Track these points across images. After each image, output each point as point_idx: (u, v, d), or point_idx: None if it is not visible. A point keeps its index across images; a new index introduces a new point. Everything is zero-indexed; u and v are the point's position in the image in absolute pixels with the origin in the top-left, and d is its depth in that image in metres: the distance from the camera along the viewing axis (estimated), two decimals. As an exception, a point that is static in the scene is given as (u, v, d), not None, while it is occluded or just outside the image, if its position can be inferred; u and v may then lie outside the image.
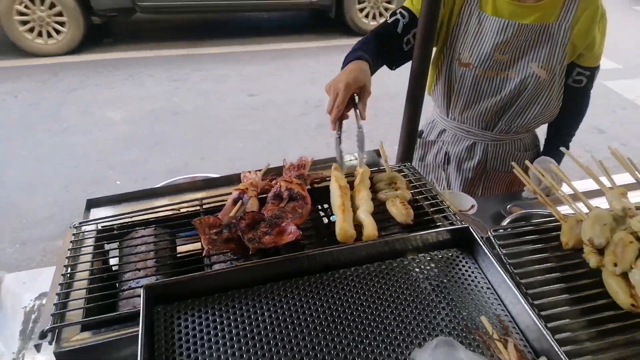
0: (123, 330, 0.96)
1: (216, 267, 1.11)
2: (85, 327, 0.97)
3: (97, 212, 1.37)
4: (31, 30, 6.33)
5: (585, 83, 1.77)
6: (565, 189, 1.27)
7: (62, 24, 6.42)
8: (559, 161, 1.90)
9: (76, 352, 0.92)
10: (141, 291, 0.92)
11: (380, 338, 0.90)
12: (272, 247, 1.04)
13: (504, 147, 1.91)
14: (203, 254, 1.01)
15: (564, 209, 1.19)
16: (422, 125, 2.06)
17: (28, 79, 6.05)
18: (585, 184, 1.41)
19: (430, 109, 2.08)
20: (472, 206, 1.65)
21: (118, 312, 0.98)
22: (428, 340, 0.89)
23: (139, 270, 1.09)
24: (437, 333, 0.91)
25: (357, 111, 1.36)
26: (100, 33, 7.15)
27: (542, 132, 2.01)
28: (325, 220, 1.31)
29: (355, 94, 1.37)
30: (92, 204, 1.40)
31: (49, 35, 6.44)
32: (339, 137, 1.37)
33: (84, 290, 1.04)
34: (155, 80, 6.22)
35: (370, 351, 0.88)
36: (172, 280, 0.95)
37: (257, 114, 5.47)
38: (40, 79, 6.06)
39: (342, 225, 1.09)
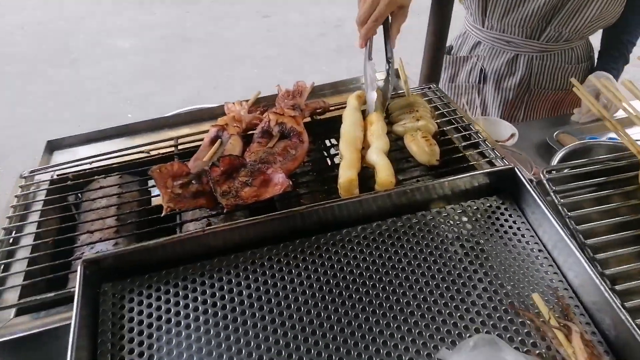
0: (69, 314, 0.76)
1: (189, 227, 0.88)
2: (21, 310, 0.77)
3: (60, 157, 1.15)
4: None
5: None
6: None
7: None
8: (616, 76, 1.56)
9: (10, 343, 0.73)
10: (79, 266, 0.71)
11: (395, 327, 0.67)
12: (254, 203, 0.80)
13: (552, 59, 1.57)
14: (162, 214, 0.78)
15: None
16: (450, 40, 1.75)
17: (33, 10, 5.76)
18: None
19: (460, 21, 1.73)
20: (512, 135, 1.35)
21: (58, 292, 0.77)
22: (458, 330, 0.66)
23: (93, 233, 0.87)
24: (472, 317, 0.68)
25: (390, 37, 1.04)
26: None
27: (596, 38, 1.64)
28: (329, 161, 1.05)
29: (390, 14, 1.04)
30: (54, 146, 1.17)
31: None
32: (370, 56, 1.06)
33: (24, 262, 0.83)
34: (165, 5, 5.83)
35: (376, 350, 0.65)
36: (118, 252, 0.73)
37: (272, 37, 5.07)
38: (46, 9, 5.76)
39: (349, 175, 0.83)
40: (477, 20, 1.59)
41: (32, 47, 5.23)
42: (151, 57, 4.88)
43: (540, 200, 0.76)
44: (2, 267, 0.82)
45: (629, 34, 1.56)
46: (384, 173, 0.84)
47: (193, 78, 4.49)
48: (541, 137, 1.40)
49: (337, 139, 1.01)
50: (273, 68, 4.52)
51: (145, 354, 0.66)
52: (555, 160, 1.01)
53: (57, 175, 1.03)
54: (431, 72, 1.36)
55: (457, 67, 1.73)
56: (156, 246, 0.74)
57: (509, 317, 0.68)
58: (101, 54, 4.99)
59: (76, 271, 0.76)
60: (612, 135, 1.37)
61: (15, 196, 0.97)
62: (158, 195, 1.10)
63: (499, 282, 0.72)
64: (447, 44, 1.73)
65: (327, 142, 1.10)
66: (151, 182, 1.05)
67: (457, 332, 0.66)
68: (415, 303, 0.70)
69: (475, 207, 0.82)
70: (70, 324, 0.66)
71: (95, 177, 1.00)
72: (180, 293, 0.73)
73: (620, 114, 1.31)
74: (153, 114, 4.26)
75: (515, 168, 0.81)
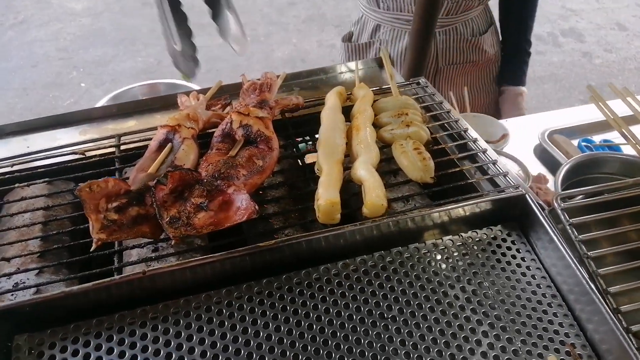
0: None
1: (131, 254, 0.72)
2: None
3: (-23, 153, 0.95)
4: None
5: None
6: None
7: None
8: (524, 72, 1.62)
9: None
10: (-21, 322, 0.54)
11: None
12: (211, 231, 0.64)
13: (454, 33, 1.52)
14: (90, 249, 0.61)
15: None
16: (348, 27, 1.69)
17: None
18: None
19: (335, 14, 1.66)
20: (504, 135, 1.24)
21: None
22: (461, 400, 0.54)
23: (10, 260, 0.70)
24: (476, 383, 0.56)
25: None
26: None
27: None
28: (304, 171, 0.90)
29: None
30: (-28, 138, 0.97)
31: None
32: None
33: None
34: (122, -37, 5.39)
35: None
36: (35, 300, 0.57)
37: (238, 2, 4.77)
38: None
39: (330, 196, 0.68)
40: (372, 2, 1.53)
41: (-27, 4, 4.76)
42: (105, 20, 4.52)
43: (555, 236, 0.64)
44: None
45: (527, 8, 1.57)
46: (374, 193, 0.69)
47: (151, 45, 4.18)
48: (532, 137, 1.29)
49: (314, 142, 0.86)
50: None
51: None
52: (560, 177, 0.89)
53: (-30, 180, 0.84)
54: (417, 63, 1.21)
55: (361, 55, 1.63)
56: (83, 292, 0.58)
57: (520, 384, 0.56)
58: (51, 15, 4.59)
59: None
60: (606, 136, 1.27)
61: None
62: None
63: (507, 336, 0.60)
64: (349, 30, 1.67)
65: (302, 145, 0.95)
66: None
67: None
68: (409, 364, 0.57)
69: (477, 239, 0.69)
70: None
71: (17, 184, 0.81)
72: (115, 349, 0.57)
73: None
74: (108, 84, 3.91)
75: (527, 195, 0.68)
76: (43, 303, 0.58)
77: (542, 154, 1.24)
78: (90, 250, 0.61)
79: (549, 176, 1.16)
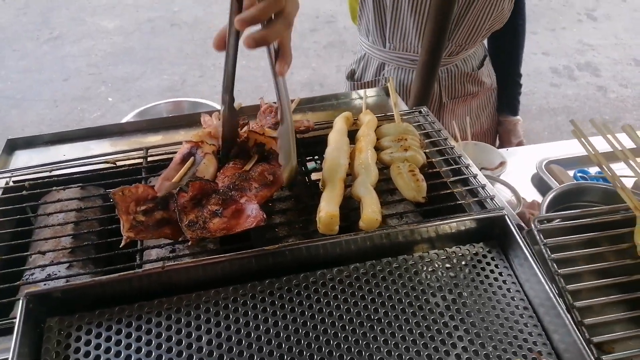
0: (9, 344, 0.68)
1: (151, 253, 0.81)
2: (-44, 339, 0.70)
3: (21, 157, 1.07)
4: None
5: None
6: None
7: None
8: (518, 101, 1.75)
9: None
10: (21, 300, 0.63)
11: (365, 385, 0.62)
12: (223, 235, 0.73)
13: (456, 70, 1.60)
14: (121, 244, 0.71)
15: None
16: (350, 64, 1.74)
17: (15, -20, 5.53)
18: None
19: (355, 41, 1.71)
20: (502, 163, 1.31)
21: (1, 321, 0.70)
22: (434, 393, 0.61)
23: (45, 254, 0.80)
24: (449, 380, 0.63)
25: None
26: None
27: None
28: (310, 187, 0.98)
29: None
30: (14, 145, 1.09)
31: None
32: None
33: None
34: (153, -15, 5.65)
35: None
36: (66, 287, 0.66)
37: (263, 28, 4.96)
38: (28, -20, 5.53)
39: (330, 210, 0.77)
40: (377, 42, 1.57)
41: (12, 19, 5.03)
42: (135, 39, 4.73)
43: (530, 254, 0.71)
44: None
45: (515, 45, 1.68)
46: (370, 209, 0.78)
47: (177, 65, 4.37)
48: (530, 166, 1.36)
49: (321, 161, 0.95)
50: (260, 59, 4.42)
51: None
52: (545, 202, 0.96)
53: (14, 182, 0.94)
54: (423, 93, 1.30)
55: None
56: (109, 282, 0.67)
57: (488, 384, 0.63)
58: (83, 33, 4.82)
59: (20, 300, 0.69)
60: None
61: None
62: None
63: (480, 341, 0.67)
64: (350, 67, 1.72)
65: (309, 165, 1.04)
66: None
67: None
68: (391, 359, 0.64)
69: (460, 254, 0.77)
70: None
71: (54, 187, 0.92)
72: (133, 334, 0.66)
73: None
74: (134, 100, 4.10)
75: (506, 216, 0.76)
76: (73, 290, 0.67)
77: (538, 183, 1.30)
78: (120, 246, 0.70)
79: (543, 203, 1.22)
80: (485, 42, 1.67)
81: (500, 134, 1.81)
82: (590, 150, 0.86)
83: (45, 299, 0.65)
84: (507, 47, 1.69)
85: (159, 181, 0.82)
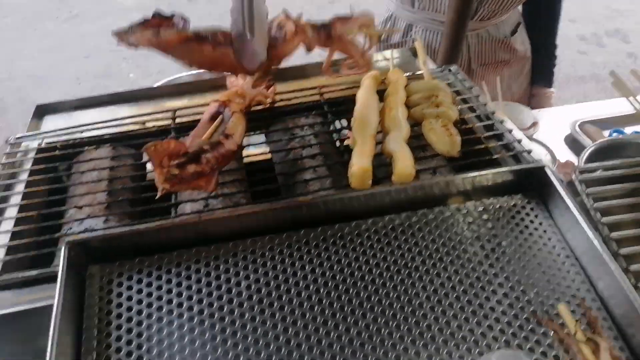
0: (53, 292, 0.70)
1: (185, 207, 0.81)
2: (2, 287, 0.71)
3: (50, 123, 1.07)
4: None
5: None
6: None
7: None
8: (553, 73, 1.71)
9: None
10: (62, 247, 0.64)
11: (404, 330, 0.61)
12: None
13: (486, 36, 1.54)
14: (157, 196, 0.71)
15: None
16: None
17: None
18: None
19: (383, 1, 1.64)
20: (534, 124, 1.28)
21: (42, 270, 0.71)
22: (475, 337, 0.61)
23: (81, 208, 0.81)
24: (490, 324, 0.62)
25: None
26: None
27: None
28: (339, 145, 0.97)
29: None
30: (43, 110, 1.10)
31: None
32: None
33: (7, 235, 0.77)
34: (171, -38, 5.61)
35: (384, 353, 0.60)
36: (107, 235, 0.67)
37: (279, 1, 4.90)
38: (47, -41, 5.54)
39: (363, 164, 0.76)
40: (406, 1, 1.50)
41: (32, 0, 5.06)
42: (154, 16, 4.72)
43: (572, 204, 0.69)
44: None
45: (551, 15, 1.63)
46: (404, 163, 0.76)
47: (197, 41, 4.34)
48: (564, 126, 1.33)
49: (349, 122, 0.93)
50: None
51: (133, 342, 0.60)
52: (584, 157, 0.93)
53: (46, 144, 0.95)
54: (450, 54, 1.26)
55: None
56: (148, 230, 0.68)
57: (530, 327, 0.62)
58: (102, 11, 4.84)
59: (62, 249, 0.71)
60: (638, 128, 1.30)
61: (0, 164, 0.90)
62: (153, 171, 1.04)
63: (521, 288, 0.66)
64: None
65: (338, 124, 1.03)
66: (146, 157, 0.98)
67: (473, 339, 0.61)
68: (428, 306, 0.64)
69: (498, 206, 0.75)
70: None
71: (86, 147, 0.93)
72: (174, 280, 0.67)
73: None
74: (155, 75, 4.12)
75: (546, 167, 0.74)
76: (112, 237, 0.68)
77: (572, 143, 1.27)
78: (156, 197, 0.71)
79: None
80: (520, 7, 1.62)
81: (532, 105, 1.75)
82: (633, 101, 0.82)
83: (85, 246, 0.66)
84: (543, 14, 1.62)
85: (190, 138, 0.82)
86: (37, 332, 0.71)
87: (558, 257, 0.69)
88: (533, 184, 0.76)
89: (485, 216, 0.74)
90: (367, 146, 0.81)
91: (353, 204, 0.73)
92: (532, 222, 0.73)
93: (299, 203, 0.71)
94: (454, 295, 0.65)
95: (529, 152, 0.83)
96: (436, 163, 0.86)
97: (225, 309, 0.63)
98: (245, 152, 1.01)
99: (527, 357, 0.54)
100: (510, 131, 0.89)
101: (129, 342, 0.61)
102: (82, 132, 0.96)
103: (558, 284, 0.66)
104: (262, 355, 0.59)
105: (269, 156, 0.99)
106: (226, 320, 0.62)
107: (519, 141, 0.86)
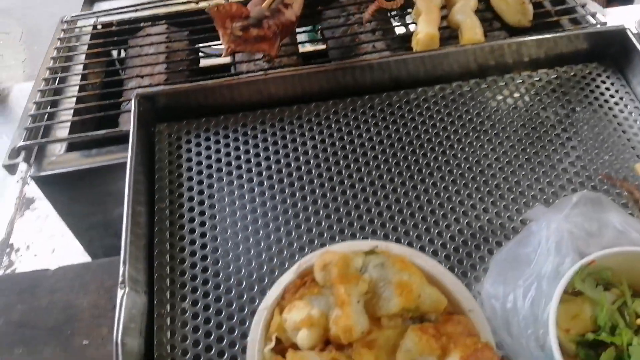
0: (120, 154, 0.71)
1: (242, 67, 0.81)
2: (72, 147, 0.74)
3: (102, 5, 1.06)
4: None
5: None
6: None
7: None
8: None
9: (61, 177, 0.70)
10: (132, 99, 0.65)
11: (481, 182, 0.61)
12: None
13: None
14: (222, 54, 0.70)
15: None
16: None
17: None
18: None
19: None
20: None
21: (112, 130, 0.73)
22: (545, 195, 0.60)
23: (143, 77, 0.81)
24: (562, 183, 0.61)
25: None
26: None
27: None
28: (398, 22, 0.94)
29: None
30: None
31: None
32: None
33: (72, 100, 0.78)
34: None
35: (459, 201, 0.59)
36: (174, 89, 0.67)
37: None
38: None
39: (429, 30, 0.72)
40: None
41: None
42: None
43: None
44: (50, 103, 0.77)
45: None
46: (472, 32, 0.73)
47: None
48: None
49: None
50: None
51: (205, 192, 0.62)
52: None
53: (101, 24, 0.95)
54: None
55: None
56: (215, 86, 0.67)
57: (604, 187, 0.61)
58: None
59: (127, 111, 0.72)
60: None
61: (59, 39, 0.90)
62: (204, 57, 1.03)
63: (595, 151, 0.64)
64: None
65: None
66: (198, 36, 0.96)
67: (543, 197, 0.60)
68: (499, 166, 0.63)
69: (572, 73, 0.72)
70: (122, 162, 0.62)
71: (142, 24, 0.92)
72: (240, 139, 0.67)
73: None
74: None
75: (627, 29, 0.69)
76: (179, 93, 0.67)
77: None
78: (222, 55, 0.70)
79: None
80: None
81: None
82: None
83: (153, 100, 0.67)
84: None
85: (250, 5, 0.80)
86: (105, 192, 0.74)
87: (635, 123, 0.66)
88: (610, 51, 0.72)
89: (558, 82, 0.71)
90: (433, 14, 0.77)
91: (418, 67, 0.70)
92: (607, 89, 0.70)
93: (364, 63, 0.69)
94: (525, 157, 0.63)
95: (605, 23, 0.78)
96: (504, 36, 0.82)
97: (285, 171, 0.63)
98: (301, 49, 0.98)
99: (607, 198, 0.53)
100: (583, 5, 0.83)
101: (200, 192, 0.62)
102: (136, 11, 0.95)
103: (634, 148, 0.64)
104: (329, 207, 0.59)
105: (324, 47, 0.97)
106: (285, 182, 0.62)
107: (593, 15, 0.81)
